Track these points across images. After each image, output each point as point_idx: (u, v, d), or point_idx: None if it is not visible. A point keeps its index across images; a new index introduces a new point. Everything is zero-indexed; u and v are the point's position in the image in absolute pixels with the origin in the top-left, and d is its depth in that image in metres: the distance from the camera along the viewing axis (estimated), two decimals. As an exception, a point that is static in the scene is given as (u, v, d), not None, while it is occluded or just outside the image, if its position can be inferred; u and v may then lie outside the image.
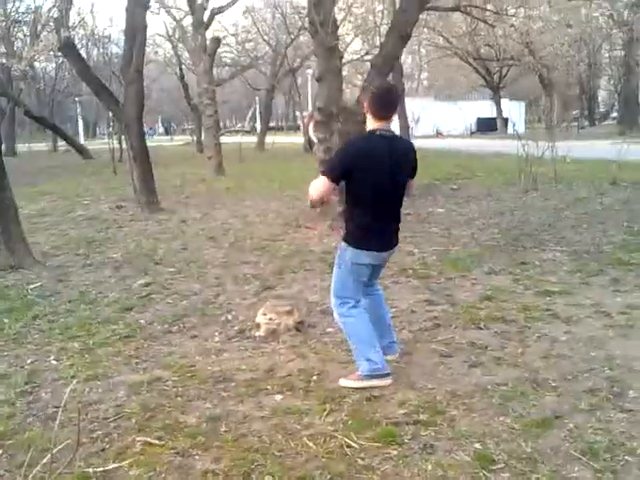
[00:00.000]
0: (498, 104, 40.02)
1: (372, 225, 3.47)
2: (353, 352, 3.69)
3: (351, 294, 3.61)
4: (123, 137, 15.30)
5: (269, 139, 31.81)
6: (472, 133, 40.59)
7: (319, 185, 3.43)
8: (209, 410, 3.32)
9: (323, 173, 3.47)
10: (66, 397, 2.99)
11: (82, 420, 3.19)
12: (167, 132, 69.18)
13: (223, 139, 20.89)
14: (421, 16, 12.05)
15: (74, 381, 3.63)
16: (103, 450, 2.96)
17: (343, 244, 3.59)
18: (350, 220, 3.58)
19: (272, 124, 51.87)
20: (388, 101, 3.50)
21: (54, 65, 34.19)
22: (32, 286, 5.92)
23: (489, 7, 12.67)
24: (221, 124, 30.15)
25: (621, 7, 29.29)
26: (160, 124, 69.96)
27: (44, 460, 2.35)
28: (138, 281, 6.02)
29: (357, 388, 3.49)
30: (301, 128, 31.40)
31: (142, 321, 4.87)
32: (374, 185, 3.39)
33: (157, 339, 4.47)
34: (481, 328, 4.41)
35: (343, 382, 3.56)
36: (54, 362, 4.08)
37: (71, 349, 4.30)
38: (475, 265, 6.14)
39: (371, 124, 3.46)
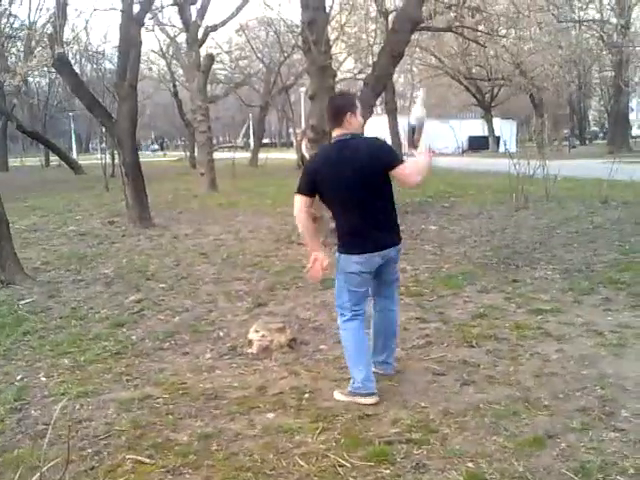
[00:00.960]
0: (490, 123, 40.34)
1: (352, 229, 3.57)
2: (349, 364, 3.71)
3: (346, 305, 3.62)
4: (116, 152, 15.30)
5: (262, 155, 31.90)
6: (464, 151, 40.82)
7: (296, 204, 3.58)
8: (200, 428, 3.29)
9: (296, 192, 3.61)
10: (56, 414, 2.97)
11: (72, 438, 3.17)
12: (162, 148, 69.38)
13: (216, 155, 20.94)
14: (413, 36, 12.19)
15: (64, 398, 3.60)
16: (93, 468, 2.93)
17: (337, 254, 3.65)
18: (335, 229, 3.71)
19: (265, 140, 52.12)
20: (331, 110, 3.67)
21: (47, 80, 34.26)
22: (23, 302, 5.89)
23: (480, 28, 12.82)
24: (214, 140, 30.24)
25: (610, 29, 29.72)
26: (152, 140, 70.07)
27: (33, 478, 2.32)
28: (130, 297, 6.00)
29: (344, 402, 3.52)
30: (294, 145, 31.49)
31: (133, 337, 4.85)
32: (334, 191, 3.55)
33: (148, 356, 4.45)
34: (473, 346, 4.41)
35: (336, 394, 3.61)
36: (44, 379, 4.05)
37: (61, 366, 4.27)
38: (467, 283, 6.16)
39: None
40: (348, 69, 23.70)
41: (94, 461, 3.00)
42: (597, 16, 31.71)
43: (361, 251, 3.54)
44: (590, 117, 58.22)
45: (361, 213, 3.52)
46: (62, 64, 10.77)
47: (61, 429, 3.17)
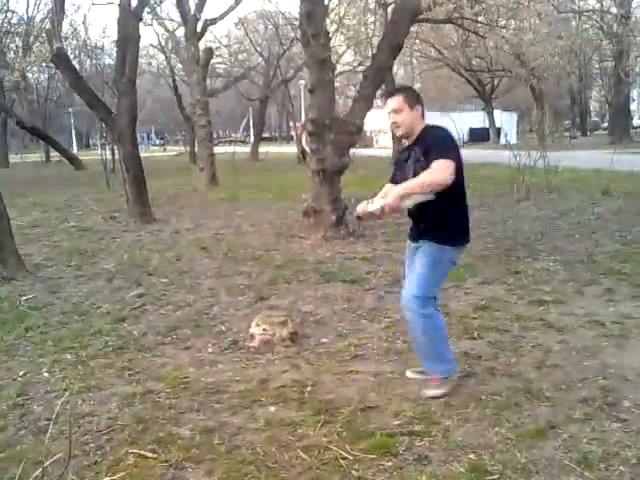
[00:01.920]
0: (490, 115, 40.26)
1: (466, 219, 3.56)
2: (425, 356, 3.58)
3: (435, 293, 3.56)
4: (116, 148, 15.28)
5: (263, 149, 31.87)
6: (465, 143, 40.76)
7: (449, 168, 3.19)
8: (202, 422, 3.29)
9: (446, 157, 3.21)
10: (58, 410, 2.97)
11: (74, 433, 3.17)
12: (163, 143, 69.07)
13: (216, 149, 20.92)
14: (413, 28, 12.16)
15: (66, 393, 3.60)
16: (95, 463, 2.94)
17: (438, 246, 3.44)
18: (446, 219, 3.43)
19: (266, 134, 52.03)
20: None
21: (47, 76, 34.19)
22: (24, 298, 5.89)
23: (480, 19, 12.75)
24: (214, 134, 30.20)
25: (610, 19, 29.59)
26: (151, 135, 69.63)
27: (35, 473, 2.32)
28: (131, 292, 6.00)
29: (444, 395, 3.44)
30: (294, 138, 31.45)
31: (135, 332, 4.85)
32: (462, 175, 3.42)
33: (150, 351, 4.45)
34: (475, 338, 4.41)
35: (430, 393, 3.46)
36: (46, 374, 4.05)
37: (64, 361, 4.27)
38: (469, 275, 6.15)
39: (422, 121, 3.48)
40: (347, 62, 23.65)
41: (97, 456, 3.00)
42: (597, 6, 31.58)
43: (467, 240, 3.59)
44: (591, 108, 58.08)
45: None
46: (61, 59, 10.75)
47: (63, 424, 3.17)
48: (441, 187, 3.21)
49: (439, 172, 3.18)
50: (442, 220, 3.44)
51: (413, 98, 3.48)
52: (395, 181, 3.54)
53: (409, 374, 3.74)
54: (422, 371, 3.67)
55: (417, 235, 3.58)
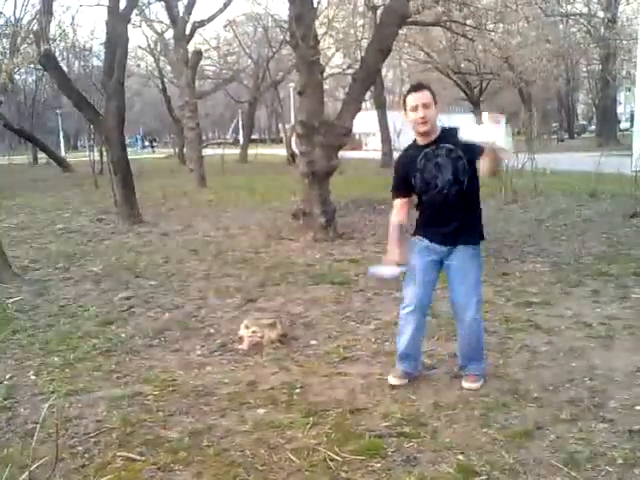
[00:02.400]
0: (479, 117, 40.44)
1: None
2: (477, 356, 3.66)
3: None
4: (104, 149, 15.21)
5: (252, 151, 31.82)
6: (453, 146, 40.94)
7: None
8: (191, 424, 3.29)
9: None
10: (45, 412, 2.95)
11: (62, 436, 3.15)
12: (152, 146, 68.64)
13: (206, 151, 20.87)
14: (402, 31, 12.20)
15: (53, 396, 3.58)
16: (83, 466, 2.92)
17: (478, 246, 3.56)
18: (475, 216, 3.57)
19: (255, 136, 51.94)
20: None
21: (34, 77, 33.98)
22: (11, 300, 5.85)
23: (469, 22, 12.83)
24: (203, 136, 30.14)
25: (597, 23, 29.87)
26: (140, 137, 69.13)
27: (22, 477, 2.31)
28: (119, 294, 5.97)
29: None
30: (284, 140, 31.46)
31: (123, 335, 4.82)
32: None
33: (138, 353, 4.43)
34: (463, 339, 4.42)
35: (472, 385, 3.58)
36: (33, 377, 4.02)
37: (51, 364, 4.24)
38: (457, 277, 6.16)
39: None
40: (337, 64, 23.66)
41: (84, 459, 2.98)
42: (584, 10, 31.86)
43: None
44: (578, 111, 58.49)
45: None
46: (48, 61, 10.69)
47: (51, 427, 3.15)
48: (496, 173, 3.45)
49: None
50: (478, 217, 3.54)
51: (434, 95, 3.44)
52: (410, 183, 3.48)
53: (393, 381, 3.67)
54: (406, 374, 3.68)
55: (453, 237, 3.48)
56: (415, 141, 3.52)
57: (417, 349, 3.74)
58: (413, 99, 3.36)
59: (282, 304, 5.52)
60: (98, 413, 3.47)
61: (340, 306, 5.39)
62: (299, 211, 8.78)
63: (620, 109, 47.14)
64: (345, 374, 3.88)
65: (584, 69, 41.54)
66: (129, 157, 11.13)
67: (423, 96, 3.34)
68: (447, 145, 3.37)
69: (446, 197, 3.41)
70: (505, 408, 3.30)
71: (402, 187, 3.58)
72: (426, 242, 3.55)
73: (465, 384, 3.61)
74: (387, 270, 3.46)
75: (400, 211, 3.59)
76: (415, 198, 3.60)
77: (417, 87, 3.46)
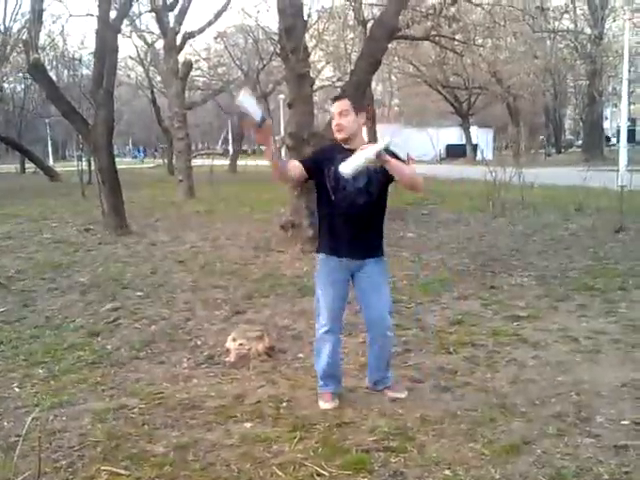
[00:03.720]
0: (467, 131, 40.73)
1: None
2: (388, 367, 3.77)
3: None
4: (92, 159, 15.16)
5: (241, 162, 31.82)
6: (442, 159, 41.18)
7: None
8: (176, 438, 3.25)
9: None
10: (28, 426, 2.91)
11: (45, 449, 3.11)
12: (146, 155, 68.49)
13: (195, 162, 20.84)
14: (391, 45, 12.28)
15: (37, 409, 3.53)
16: (66, 481, 2.88)
17: (382, 259, 3.63)
18: (382, 229, 3.63)
19: (245, 147, 51.95)
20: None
21: (23, 86, 33.86)
22: (-4, 311, 5.78)
23: (457, 37, 12.94)
24: (193, 147, 30.11)
25: (584, 40, 30.24)
26: (142, 148, 69.02)
27: (4, 492, 2.27)
28: (105, 306, 5.92)
29: (326, 409, 3.54)
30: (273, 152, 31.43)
31: (109, 347, 4.78)
32: None
33: (124, 365, 4.39)
34: (451, 353, 4.43)
35: (403, 394, 3.67)
36: (17, 389, 3.97)
37: (35, 376, 4.20)
38: (445, 290, 6.19)
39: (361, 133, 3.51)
40: (327, 77, 23.78)
41: (68, 473, 2.94)
42: (571, 26, 32.27)
43: None
44: (565, 125, 59.07)
45: None
46: (37, 70, 10.67)
47: (34, 441, 3.10)
48: (416, 188, 3.37)
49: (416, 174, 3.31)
50: (381, 231, 3.60)
51: (358, 105, 3.46)
52: (319, 169, 3.43)
53: (326, 405, 3.59)
54: (334, 395, 3.66)
55: (363, 251, 3.51)
56: (341, 144, 3.48)
57: (337, 367, 3.74)
58: (332, 108, 3.46)
59: (270, 316, 5.50)
60: (82, 426, 3.43)
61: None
62: (288, 223, 8.77)
63: (606, 124, 47.72)
64: (332, 387, 3.86)
65: (571, 84, 41.99)
66: (118, 167, 11.10)
67: (340, 105, 3.41)
68: None
69: (353, 204, 3.40)
70: (492, 423, 3.30)
71: (309, 162, 3.50)
72: (333, 260, 3.52)
73: (397, 395, 3.66)
74: (252, 108, 3.13)
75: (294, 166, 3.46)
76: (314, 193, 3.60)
77: (336, 97, 3.60)
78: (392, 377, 3.77)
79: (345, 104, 3.40)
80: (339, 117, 3.39)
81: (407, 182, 3.30)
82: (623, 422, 3.26)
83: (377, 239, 3.58)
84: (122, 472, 2.92)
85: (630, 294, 5.82)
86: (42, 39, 17.34)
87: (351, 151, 3.31)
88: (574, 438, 3.11)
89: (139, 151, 67.44)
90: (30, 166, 33.31)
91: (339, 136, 3.42)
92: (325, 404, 3.59)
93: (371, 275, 3.53)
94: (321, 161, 3.48)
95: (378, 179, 3.37)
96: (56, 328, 5.28)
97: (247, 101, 3.10)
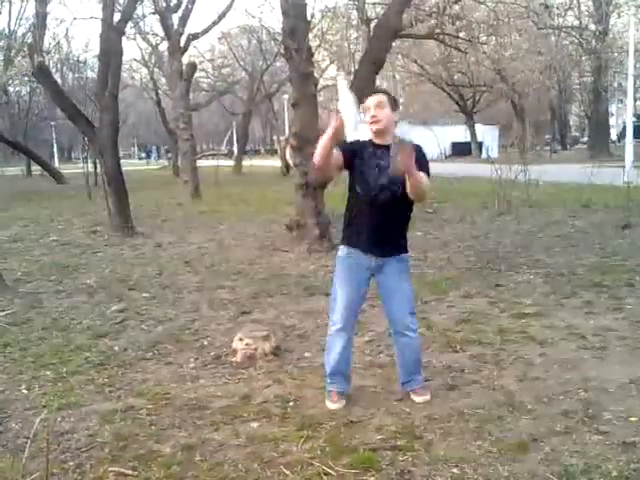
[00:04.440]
0: (472, 129, 40.66)
1: None
2: (418, 369, 3.69)
3: None
4: (98, 161, 15.22)
5: (246, 162, 31.87)
6: (447, 157, 41.12)
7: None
8: (184, 439, 3.26)
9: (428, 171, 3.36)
10: (36, 427, 2.92)
11: (53, 450, 3.12)
12: (148, 156, 68.51)
13: (200, 163, 20.87)
14: (395, 43, 12.27)
15: (45, 410, 3.55)
16: (74, 482, 2.89)
17: (405, 255, 3.58)
18: (406, 227, 3.61)
19: (249, 147, 52.04)
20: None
21: (28, 89, 33.97)
22: (3, 313, 5.80)
23: (461, 35, 12.90)
24: (198, 148, 30.17)
25: (589, 36, 30.13)
26: (155, 148, 69.04)
27: (13, 493, 2.28)
28: (112, 307, 5.95)
29: (334, 409, 3.53)
30: (278, 152, 31.54)
31: (116, 348, 4.80)
32: None
33: (131, 366, 4.40)
34: (457, 351, 4.42)
35: (424, 398, 3.60)
36: (25, 391, 3.99)
37: (43, 377, 4.21)
38: (451, 288, 6.18)
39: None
40: (331, 76, 23.79)
41: (76, 474, 2.95)
42: (576, 23, 32.15)
43: None
44: (571, 122, 58.87)
45: None
46: (42, 73, 10.71)
47: (42, 442, 3.11)
48: (422, 199, 3.39)
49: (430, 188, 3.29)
50: (404, 230, 3.58)
51: (394, 103, 3.49)
52: (347, 156, 3.39)
53: (332, 406, 3.57)
54: (340, 394, 3.62)
55: (383, 247, 3.47)
56: (371, 140, 3.47)
57: (347, 365, 3.70)
58: (368, 101, 3.42)
59: (276, 316, 5.50)
60: (90, 427, 3.44)
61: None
62: (293, 222, 8.78)
63: (612, 121, 47.54)
64: (339, 387, 3.86)
65: (576, 81, 41.78)
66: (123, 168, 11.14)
67: (377, 97, 3.40)
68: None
69: (374, 200, 3.38)
70: (499, 420, 3.29)
71: (347, 149, 3.40)
72: (353, 255, 3.50)
73: (417, 399, 3.59)
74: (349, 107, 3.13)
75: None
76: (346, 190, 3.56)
77: (374, 91, 3.57)
78: (420, 381, 3.67)
79: (382, 97, 3.41)
80: (375, 109, 3.37)
81: (414, 192, 3.25)
82: (631, 419, 3.24)
83: (398, 236, 3.53)
84: (130, 473, 2.93)
85: (637, 290, 5.80)
86: (46, 42, 17.39)
87: (380, 147, 3.36)
88: (582, 435, 3.10)
89: (151, 151, 67.31)
90: (36, 169, 33.43)
91: (373, 128, 3.40)
92: (332, 404, 3.58)
93: (391, 275, 3.51)
94: (354, 150, 3.44)
95: (403, 178, 3.27)
96: (63, 330, 5.30)
97: (345, 96, 3.10)
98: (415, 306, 3.70)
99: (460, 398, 3.62)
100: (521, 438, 3.09)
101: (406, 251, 3.57)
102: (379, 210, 3.39)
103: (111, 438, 3.28)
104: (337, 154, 3.36)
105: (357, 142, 3.48)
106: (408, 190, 3.24)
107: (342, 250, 3.59)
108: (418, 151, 3.22)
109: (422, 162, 3.25)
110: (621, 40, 28.98)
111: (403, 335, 3.57)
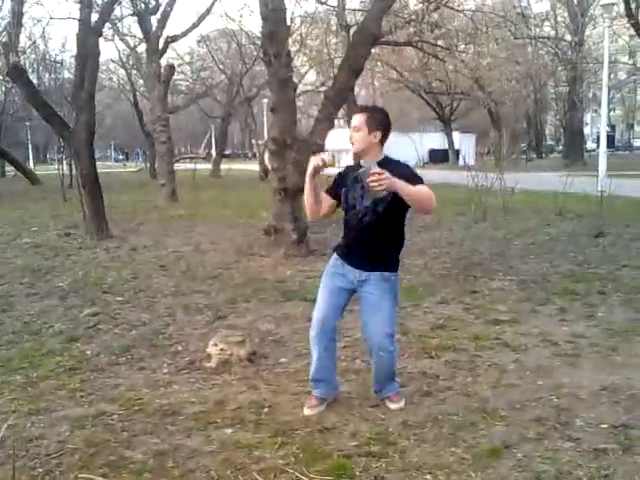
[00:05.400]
0: (449, 136, 41.02)
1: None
2: (388, 380, 3.64)
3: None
4: (73, 163, 15.05)
5: (224, 166, 31.75)
6: (424, 164, 41.40)
7: (433, 196, 3.22)
8: (156, 445, 3.22)
9: (422, 182, 3.24)
10: (4, 433, 2.86)
11: (22, 457, 3.06)
12: (127, 158, 68.01)
13: (178, 166, 20.74)
14: (374, 50, 12.35)
15: (14, 416, 3.48)
16: (43, 489, 2.84)
17: (390, 274, 3.45)
18: (395, 246, 3.50)
19: (228, 151, 51.85)
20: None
21: (3, 89, 33.47)
22: (-27, 316, 5.70)
23: (440, 43, 13.04)
24: (176, 151, 30.01)
25: (565, 46, 30.62)
26: (142, 151, 68.68)
27: (-22, 502, 2.23)
28: (85, 311, 5.86)
29: (311, 415, 3.51)
30: (256, 156, 31.46)
31: (88, 352, 4.73)
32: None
33: (103, 371, 4.34)
34: (433, 357, 4.44)
35: (399, 405, 3.59)
36: (-6, 396, 3.91)
37: (13, 382, 4.13)
38: (427, 294, 6.21)
39: (381, 149, 3.40)
40: (310, 81, 23.85)
41: (45, 481, 2.90)
42: (552, 33, 32.67)
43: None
44: (546, 131, 59.71)
45: None
46: (17, 73, 10.54)
47: (10, 448, 3.06)
48: (427, 210, 3.31)
49: (432, 196, 3.20)
50: (397, 244, 3.49)
51: (375, 122, 3.36)
52: (337, 194, 3.46)
53: (307, 412, 3.56)
54: (320, 399, 3.62)
55: (368, 263, 3.41)
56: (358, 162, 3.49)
57: (329, 372, 3.65)
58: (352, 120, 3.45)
59: (252, 321, 5.47)
60: (60, 433, 3.38)
61: (311, 323, 5.34)
62: (271, 227, 8.75)
63: (587, 130, 48.31)
64: (314, 392, 3.85)
65: (552, 91, 42.49)
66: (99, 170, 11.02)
67: (355, 119, 3.39)
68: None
69: (360, 221, 3.38)
70: (473, 427, 3.31)
71: (334, 192, 3.50)
72: (339, 265, 3.50)
73: (392, 405, 3.59)
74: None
75: (321, 202, 3.49)
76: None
77: (357, 110, 3.52)
78: (394, 389, 3.66)
79: (359, 119, 3.36)
80: (351, 131, 3.40)
81: (414, 205, 3.21)
82: (602, 426, 3.28)
83: (383, 253, 3.42)
84: (100, 479, 2.88)
85: (609, 298, 5.88)
86: (22, 41, 17.18)
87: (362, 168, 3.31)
88: (554, 442, 3.13)
89: (138, 154, 66.74)
90: (10, 169, 32.95)
91: (352, 149, 3.44)
92: (307, 409, 3.56)
93: (374, 293, 3.43)
94: (339, 183, 3.51)
95: (386, 197, 3.21)
96: (35, 333, 5.21)
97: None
98: (395, 328, 3.61)
99: (435, 404, 3.63)
100: (494, 444, 3.10)
101: (394, 270, 3.47)
102: (365, 229, 3.39)
103: (82, 444, 3.23)
104: (327, 199, 3.49)
105: (346, 168, 3.57)
106: (410, 205, 3.22)
107: (331, 259, 3.60)
108: (406, 167, 3.28)
109: (409, 177, 3.17)
110: (596, 51, 29.52)
111: (377, 355, 3.52)
